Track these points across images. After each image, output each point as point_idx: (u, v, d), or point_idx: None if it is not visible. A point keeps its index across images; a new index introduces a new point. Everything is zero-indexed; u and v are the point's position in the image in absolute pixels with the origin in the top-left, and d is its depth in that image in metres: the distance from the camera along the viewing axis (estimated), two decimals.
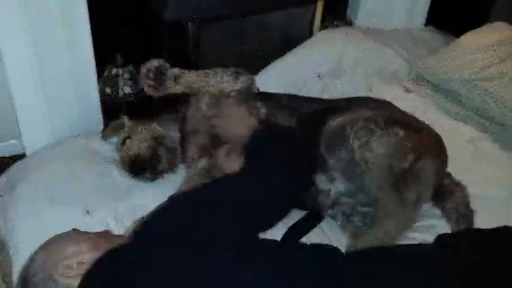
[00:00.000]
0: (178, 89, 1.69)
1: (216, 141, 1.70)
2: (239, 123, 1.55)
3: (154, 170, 1.69)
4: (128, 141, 1.71)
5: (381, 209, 1.51)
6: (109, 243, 1.18)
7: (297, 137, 1.47)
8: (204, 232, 1.15)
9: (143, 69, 1.68)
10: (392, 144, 1.50)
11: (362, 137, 1.52)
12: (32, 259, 1.19)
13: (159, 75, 1.67)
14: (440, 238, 1.34)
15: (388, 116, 1.60)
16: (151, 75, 1.66)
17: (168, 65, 1.70)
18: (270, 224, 1.31)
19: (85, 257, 1.15)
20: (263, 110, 1.71)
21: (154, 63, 1.67)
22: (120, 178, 1.72)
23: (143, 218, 1.58)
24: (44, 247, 1.21)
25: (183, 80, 1.69)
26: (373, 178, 1.49)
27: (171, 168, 1.75)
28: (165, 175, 1.74)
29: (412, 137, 1.53)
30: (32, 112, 1.88)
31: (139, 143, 1.68)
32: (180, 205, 1.25)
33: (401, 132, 1.52)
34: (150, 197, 1.64)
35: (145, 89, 1.69)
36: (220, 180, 1.37)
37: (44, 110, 1.88)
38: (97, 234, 1.28)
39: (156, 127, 1.75)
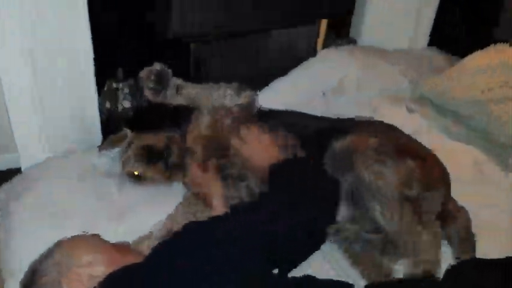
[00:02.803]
0: (179, 100, 1.67)
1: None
2: (262, 153, 1.52)
3: (167, 162, 1.64)
4: (136, 142, 1.66)
5: (391, 236, 1.48)
6: (124, 259, 1.15)
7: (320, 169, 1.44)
8: (217, 261, 1.12)
9: (144, 72, 1.66)
10: (402, 174, 1.48)
11: (372, 165, 1.50)
12: (47, 254, 1.15)
13: (161, 79, 1.64)
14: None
15: (396, 144, 1.59)
16: (152, 77, 1.64)
17: (170, 72, 1.68)
18: (300, 258, 1.29)
19: (98, 269, 1.11)
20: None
21: (157, 66, 1.66)
22: (120, 196, 1.68)
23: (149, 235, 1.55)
24: (61, 245, 1.17)
25: (185, 91, 1.67)
26: (384, 209, 1.47)
27: (180, 166, 1.69)
28: (164, 190, 1.70)
29: (419, 166, 1.51)
30: (28, 126, 1.84)
31: (152, 137, 1.64)
32: (198, 232, 1.21)
33: (410, 162, 1.50)
34: (148, 217, 1.60)
35: (146, 92, 1.66)
36: (243, 209, 1.32)
37: (42, 124, 1.84)
38: (116, 246, 1.24)
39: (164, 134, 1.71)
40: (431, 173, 1.55)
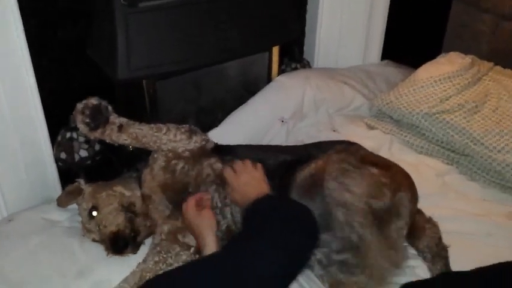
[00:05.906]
0: (123, 138, 1.63)
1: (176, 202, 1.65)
2: (250, 186, 1.49)
3: (135, 244, 1.59)
4: (97, 215, 1.58)
5: (365, 252, 1.47)
6: None
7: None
8: None
9: (80, 105, 1.61)
10: (369, 182, 1.49)
11: (338, 177, 1.49)
12: None
13: (97, 114, 1.60)
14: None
15: (359, 155, 1.61)
16: (87, 111, 1.60)
17: (110, 108, 1.65)
18: None
19: None
20: (218, 165, 1.67)
21: (93, 100, 1.62)
22: (82, 252, 1.60)
23: None
24: None
25: (132, 130, 1.64)
26: (354, 222, 1.46)
27: (149, 235, 1.66)
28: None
29: (385, 173, 1.53)
30: None
31: (113, 216, 1.56)
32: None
33: (374, 170, 1.52)
34: (114, 271, 1.54)
35: (79, 125, 1.62)
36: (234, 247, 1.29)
37: None
38: None
39: (122, 191, 1.65)
40: (397, 178, 1.56)
